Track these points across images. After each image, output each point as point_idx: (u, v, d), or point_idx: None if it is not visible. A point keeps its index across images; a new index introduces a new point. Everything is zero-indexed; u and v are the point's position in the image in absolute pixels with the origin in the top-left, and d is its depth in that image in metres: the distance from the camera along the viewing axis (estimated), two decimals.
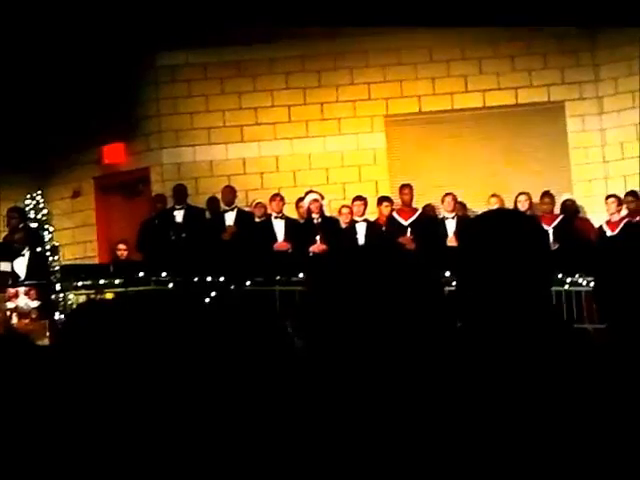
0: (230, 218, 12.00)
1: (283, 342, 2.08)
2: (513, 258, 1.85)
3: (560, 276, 10.42)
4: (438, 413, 1.63)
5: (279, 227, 11.79)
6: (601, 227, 11.68)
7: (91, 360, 1.84)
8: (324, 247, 11.31)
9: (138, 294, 9.93)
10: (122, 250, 11.70)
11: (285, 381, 1.87)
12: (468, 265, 1.90)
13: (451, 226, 11.70)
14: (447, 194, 12.05)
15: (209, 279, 10.62)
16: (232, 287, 10.61)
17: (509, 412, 1.68)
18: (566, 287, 10.57)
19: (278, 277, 10.79)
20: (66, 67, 12.60)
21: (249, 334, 2.00)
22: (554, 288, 9.51)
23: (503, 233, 1.89)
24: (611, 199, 11.79)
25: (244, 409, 1.84)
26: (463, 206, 12.14)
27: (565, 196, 12.35)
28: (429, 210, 12.31)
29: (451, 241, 11.41)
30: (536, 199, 12.08)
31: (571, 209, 12.11)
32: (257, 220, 12.00)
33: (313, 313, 1.69)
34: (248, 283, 10.72)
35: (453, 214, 11.84)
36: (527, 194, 11.94)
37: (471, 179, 12.91)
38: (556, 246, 10.50)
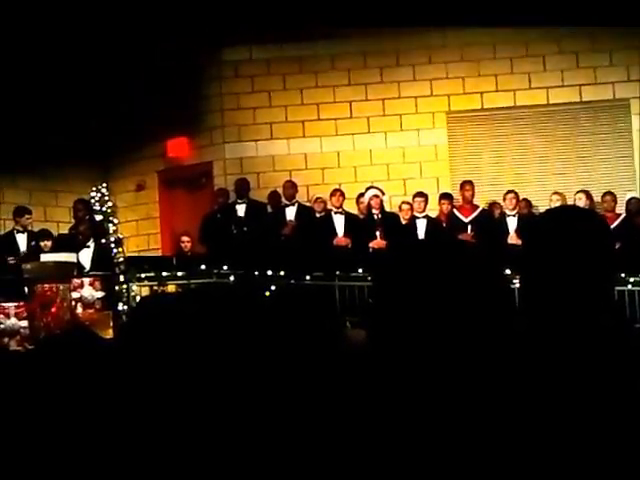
0: (291, 213, 12.07)
1: (336, 336, 2.11)
2: (577, 255, 1.85)
3: (623, 275, 10.29)
4: (502, 409, 1.64)
5: (339, 222, 11.83)
6: None
7: (154, 353, 1.89)
8: (384, 243, 11.32)
9: (200, 287, 10.05)
10: (186, 242, 11.84)
11: (342, 373, 1.90)
12: (532, 262, 1.90)
13: (512, 224, 11.63)
14: (509, 191, 11.98)
15: (269, 273, 10.69)
16: (292, 281, 10.68)
17: (569, 409, 1.69)
18: (629, 287, 10.44)
19: (338, 272, 10.83)
20: (132, 62, 12.78)
21: (307, 328, 2.03)
22: (617, 288, 9.41)
23: (567, 231, 1.89)
24: None
25: (300, 402, 1.86)
26: (528, 203, 12.05)
27: (630, 195, 12.19)
28: (495, 208, 12.22)
29: (512, 239, 11.33)
30: (600, 197, 11.95)
31: (636, 208, 11.95)
32: (317, 215, 12.05)
33: (379, 306, 1.71)
34: (308, 278, 10.78)
35: (515, 211, 11.76)
36: (586, 192, 11.82)
37: (533, 177, 12.82)
38: (617, 245, 10.37)
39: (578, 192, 11.84)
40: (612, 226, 11.02)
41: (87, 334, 2.02)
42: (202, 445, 1.81)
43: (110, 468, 1.85)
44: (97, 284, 9.98)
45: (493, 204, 12.25)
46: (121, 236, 10.89)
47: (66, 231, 12.25)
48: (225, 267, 10.72)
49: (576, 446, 1.66)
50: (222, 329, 1.93)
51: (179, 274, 10.53)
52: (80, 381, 1.90)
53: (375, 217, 11.78)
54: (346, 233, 11.73)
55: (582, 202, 11.56)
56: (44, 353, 1.95)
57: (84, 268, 10.79)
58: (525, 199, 12.08)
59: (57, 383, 1.89)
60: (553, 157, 12.92)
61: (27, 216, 11.71)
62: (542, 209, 12.11)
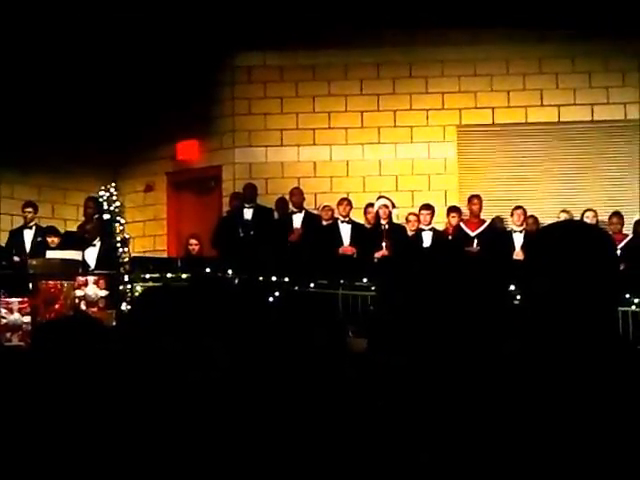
0: (298, 220, 12.08)
1: (340, 343, 2.11)
2: (580, 271, 1.81)
3: (628, 296, 10.26)
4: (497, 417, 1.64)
5: (345, 231, 11.83)
6: None
7: (153, 339, 1.90)
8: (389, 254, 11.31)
9: (202, 280, 10.04)
10: (194, 245, 11.83)
11: (343, 380, 1.90)
12: (533, 277, 1.87)
13: (519, 239, 11.62)
14: (516, 207, 11.97)
15: (274, 279, 10.69)
16: (296, 288, 10.67)
17: (562, 428, 1.68)
18: (633, 308, 10.41)
19: (342, 281, 10.82)
20: (145, 64, 12.83)
21: (309, 334, 2.03)
22: (621, 308, 9.39)
23: (570, 245, 1.85)
24: None
25: (298, 405, 1.86)
26: (536, 220, 12.04)
27: (637, 216, 12.17)
28: (498, 222, 12.24)
29: (518, 255, 11.32)
30: (607, 218, 11.94)
31: None
32: (324, 223, 12.05)
33: (379, 315, 1.71)
34: (312, 285, 10.78)
35: (521, 228, 11.76)
36: (594, 211, 11.82)
37: (541, 194, 12.81)
38: (623, 266, 10.34)
39: (586, 211, 11.84)
40: (619, 247, 11.00)
41: (88, 320, 2.03)
42: (206, 432, 1.82)
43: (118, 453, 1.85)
44: (101, 283, 9.98)
45: (496, 218, 12.25)
46: (127, 236, 10.89)
47: (73, 229, 12.28)
48: (230, 271, 10.72)
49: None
50: (221, 319, 1.93)
51: (183, 276, 10.54)
52: (82, 363, 1.90)
53: (382, 227, 11.78)
54: (352, 242, 11.74)
55: (590, 221, 11.55)
56: (46, 336, 1.95)
57: (89, 266, 10.80)
58: (532, 216, 12.07)
59: (59, 365, 1.90)
60: (562, 175, 12.91)
61: (27, 209, 11.77)
62: None
